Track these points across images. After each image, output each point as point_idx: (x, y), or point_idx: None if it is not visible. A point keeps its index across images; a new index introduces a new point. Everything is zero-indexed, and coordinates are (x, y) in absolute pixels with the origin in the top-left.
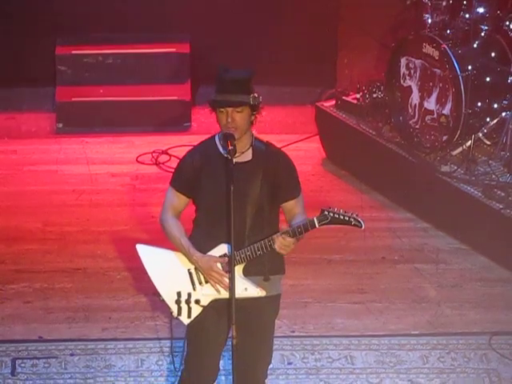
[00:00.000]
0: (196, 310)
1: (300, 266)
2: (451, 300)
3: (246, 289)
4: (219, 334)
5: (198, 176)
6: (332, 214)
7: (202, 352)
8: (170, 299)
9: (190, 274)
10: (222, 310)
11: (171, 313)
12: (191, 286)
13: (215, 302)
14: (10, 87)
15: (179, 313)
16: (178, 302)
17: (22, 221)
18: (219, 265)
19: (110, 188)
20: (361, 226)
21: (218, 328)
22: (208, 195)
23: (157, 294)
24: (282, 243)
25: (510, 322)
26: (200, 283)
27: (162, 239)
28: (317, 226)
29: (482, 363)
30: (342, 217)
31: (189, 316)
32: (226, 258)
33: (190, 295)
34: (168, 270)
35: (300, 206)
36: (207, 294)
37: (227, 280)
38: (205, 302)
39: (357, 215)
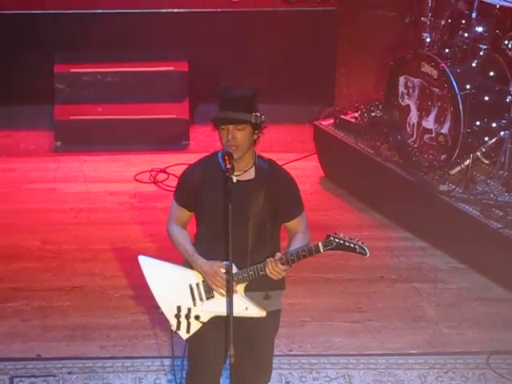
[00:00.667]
0: (195, 326)
1: (298, 285)
2: (449, 319)
3: (246, 308)
4: (219, 350)
5: (198, 191)
6: (338, 240)
7: (203, 367)
8: (169, 313)
9: (192, 289)
10: (222, 326)
11: (170, 326)
12: (192, 302)
13: (215, 319)
14: (9, 105)
15: (178, 327)
16: (177, 316)
17: (20, 239)
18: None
19: (108, 206)
20: (365, 254)
21: (217, 343)
22: (209, 211)
23: (156, 306)
24: (273, 269)
25: (508, 341)
26: (201, 299)
27: (160, 257)
28: (321, 251)
29: (480, 383)
30: (347, 243)
31: (188, 331)
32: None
33: (190, 310)
34: (169, 284)
35: (302, 224)
36: (208, 310)
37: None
38: (205, 318)
39: (362, 243)
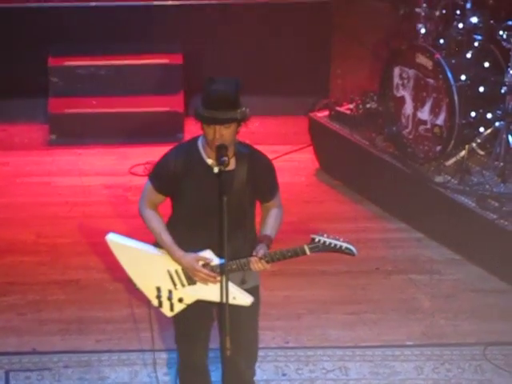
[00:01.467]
0: (179, 307)
1: (294, 277)
2: (445, 311)
3: (234, 298)
4: (205, 316)
5: (177, 180)
6: (323, 242)
7: (190, 331)
8: (148, 292)
9: (170, 274)
10: (207, 307)
11: (149, 302)
12: (172, 285)
13: (200, 301)
14: (3, 99)
15: (160, 305)
16: (158, 296)
17: (14, 233)
18: (201, 262)
19: (103, 200)
20: (353, 254)
21: (203, 312)
22: (189, 201)
23: (131, 282)
24: (257, 266)
25: (505, 332)
26: (182, 285)
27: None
28: (308, 253)
29: (476, 374)
30: (333, 245)
31: (171, 310)
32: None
33: (170, 292)
34: (144, 264)
35: (278, 200)
36: (191, 294)
37: (212, 281)
38: (188, 300)
39: (348, 242)
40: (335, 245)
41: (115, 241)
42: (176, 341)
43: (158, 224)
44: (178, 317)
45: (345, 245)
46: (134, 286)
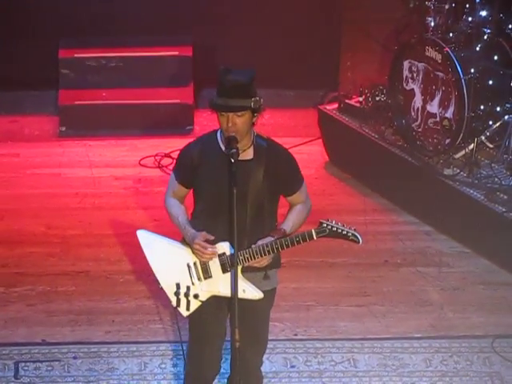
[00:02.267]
0: (195, 304)
1: (303, 269)
2: (454, 303)
3: (244, 291)
4: (219, 326)
5: (196, 169)
6: (330, 227)
7: (203, 343)
8: (169, 289)
9: (189, 267)
10: (221, 305)
11: (170, 302)
12: (190, 280)
13: (214, 298)
14: (13, 90)
15: (178, 304)
16: (176, 293)
17: (24, 224)
18: (217, 260)
19: (113, 191)
20: (358, 242)
21: (217, 321)
22: (207, 192)
23: (156, 281)
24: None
25: None
26: (199, 279)
27: None
28: (315, 238)
29: (484, 366)
30: (339, 230)
31: (187, 309)
32: (224, 257)
33: (188, 288)
34: (167, 260)
35: (303, 195)
36: (206, 290)
37: (209, 250)
38: (203, 297)
39: (355, 230)
40: (342, 230)
41: (145, 235)
42: (188, 349)
43: (177, 209)
44: (193, 321)
45: (351, 232)
46: (158, 285)
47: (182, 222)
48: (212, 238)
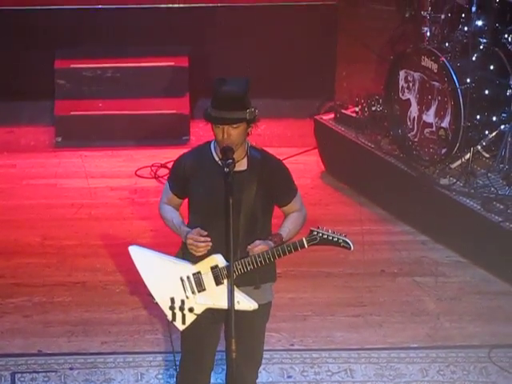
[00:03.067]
0: (190, 318)
1: (299, 280)
2: (450, 313)
3: (238, 302)
4: (213, 338)
5: (189, 180)
6: (321, 235)
7: (197, 357)
8: (163, 304)
9: (182, 281)
10: (215, 319)
11: (166, 317)
12: (184, 294)
13: (209, 311)
14: (9, 101)
15: (174, 318)
16: (171, 307)
17: (21, 235)
18: (210, 273)
19: (109, 202)
20: (349, 248)
21: (211, 332)
22: (200, 203)
23: (150, 296)
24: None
25: (510, 334)
26: (193, 292)
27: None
28: (306, 246)
29: (481, 376)
30: (330, 237)
31: (183, 322)
32: (217, 269)
33: (183, 302)
34: (161, 275)
35: (298, 204)
36: (200, 303)
37: (202, 244)
38: (198, 310)
39: (345, 236)
40: (333, 237)
41: (137, 251)
42: (180, 362)
43: (171, 213)
44: (187, 335)
45: (342, 238)
46: (152, 300)
47: (177, 223)
48: (205, 233)
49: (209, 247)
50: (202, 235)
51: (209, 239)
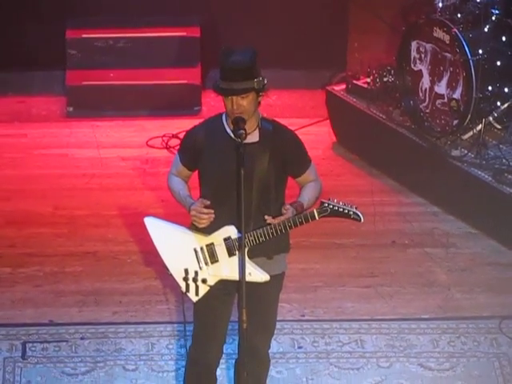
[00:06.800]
0: (203, 289)
1: (310, 250)
2: (461, 284)
3: (250, 274)
4: (225, 309)
5: (201, 153)
6: (331, 207)
7: (210, 329)
8: (177, 275)
9: (196, 252)
10: (228, 290)
11: (180, 288)
12: (197, 265)
13: (221, 283)
14: (21, 71)
15: (187, 289)
16: (185, 279)
17: (32, 204)
18: (223, 244)
19: (120, 172)
20: (360, 220)
21: (224, 304)
22: (212, 175)
23: (165, 267)
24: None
25: None
26: (206, 263)
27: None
28: (317, 218)
29: (492, 347)
30: (341, 209)
31: (197, 294)
32: (230, 241)
33: (196, 273)
34: (175, 246)
35: (312, 175)
36: (213, 274)
37: (205, 216)
38: (211, 281)
39: (356, 208)
40: (343, 209)
41: (152, 222)
42: (193, 335)
43: (178, 185)
44: (200, 307)
45: (353, 210)
46: (167, 271)
47: (184, 194)
48: (208, 203)
49: (211, 219)
50: (205, 206)
51: (212, 211)
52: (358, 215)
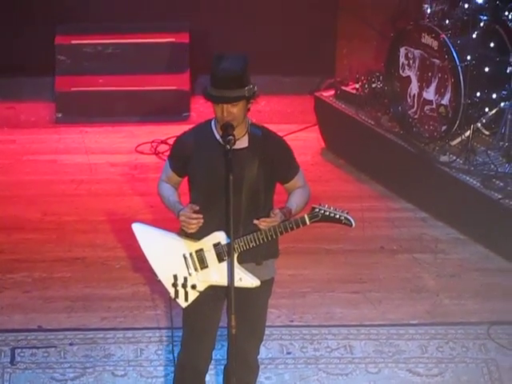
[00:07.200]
0: (193, 295)
1: (299, 256)
2: (450, 290)
3: (240, 279)
4: (215, 315)
5: (189, 159)
6: (323, 212)
7: (199, 335)
8: (166, 281)
9: (185, 258)
10: (217, 296)
11: (168, 294)
12: (187, 271)
13: (211, 289)
14: (10, 77)
15: (176, 295)
16: (174, 285)
17: (20, 210)
18: (213, 250)
19: (109, 178)
20: (351, 225)
21: (214, 310)
22: (201, 181)
23: (153, 273)
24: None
25: (509, 311)
26: (195, 269)
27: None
28: (308, 223)
29: (480, 353)
30: (332, 214)
31: (186, 300)
32: (219, 246)
33: (186, 279)
34: (164, 253)
35: (301, 181)
36: (203, 280)
37: (194, 222)
38: (201, 287)
39: (347, 213)
40: (334, 214)
41: (140, 228)
42: (183, 340)
43: (168, 191)
44: (189, 312)
45: (344, 215)
46: (155, 278)
47: (173, 200)
48: (197, 208)
49: (200, 224)
50: (194, 211)
51: (201, 216)
52: (350, 220)
